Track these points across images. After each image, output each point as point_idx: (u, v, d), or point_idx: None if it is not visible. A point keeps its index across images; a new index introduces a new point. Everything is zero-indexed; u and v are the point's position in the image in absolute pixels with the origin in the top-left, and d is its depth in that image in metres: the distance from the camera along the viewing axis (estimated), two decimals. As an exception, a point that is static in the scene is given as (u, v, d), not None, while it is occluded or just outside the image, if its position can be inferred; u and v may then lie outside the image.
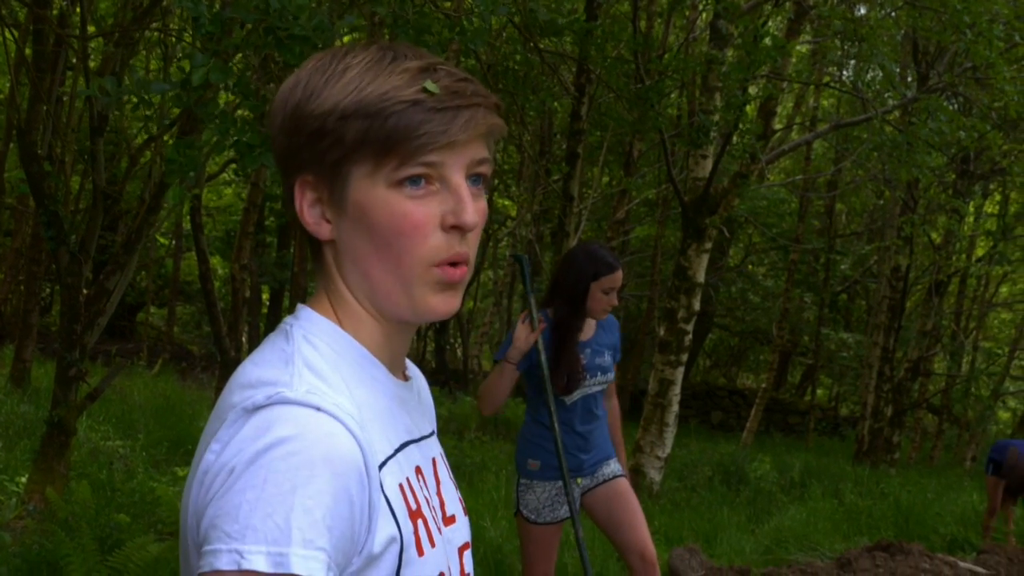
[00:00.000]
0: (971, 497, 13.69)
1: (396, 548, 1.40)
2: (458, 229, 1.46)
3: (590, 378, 5.74)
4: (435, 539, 1.49)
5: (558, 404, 5.73)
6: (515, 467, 5.98)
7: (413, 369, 1.75)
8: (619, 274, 5.55)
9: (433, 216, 1.45)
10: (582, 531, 5.86)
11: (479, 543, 8.15)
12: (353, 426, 1.34)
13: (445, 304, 1.49)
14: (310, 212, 1.48)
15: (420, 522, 1.46)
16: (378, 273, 1.48)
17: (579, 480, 5.86)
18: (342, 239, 1.49)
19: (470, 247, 1.49)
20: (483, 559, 7.86)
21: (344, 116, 1.43)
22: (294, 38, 4.99)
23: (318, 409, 1.33)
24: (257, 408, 1.33)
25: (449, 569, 1.53)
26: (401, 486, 1.44)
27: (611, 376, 5.87)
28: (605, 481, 5.91)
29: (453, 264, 1.47)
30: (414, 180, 1.44)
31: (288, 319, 1.53)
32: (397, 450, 1.48)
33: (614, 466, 5.98)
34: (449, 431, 17.49)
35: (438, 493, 1.59)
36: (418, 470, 1.53)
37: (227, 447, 1.31)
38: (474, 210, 1.46)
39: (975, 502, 13.16)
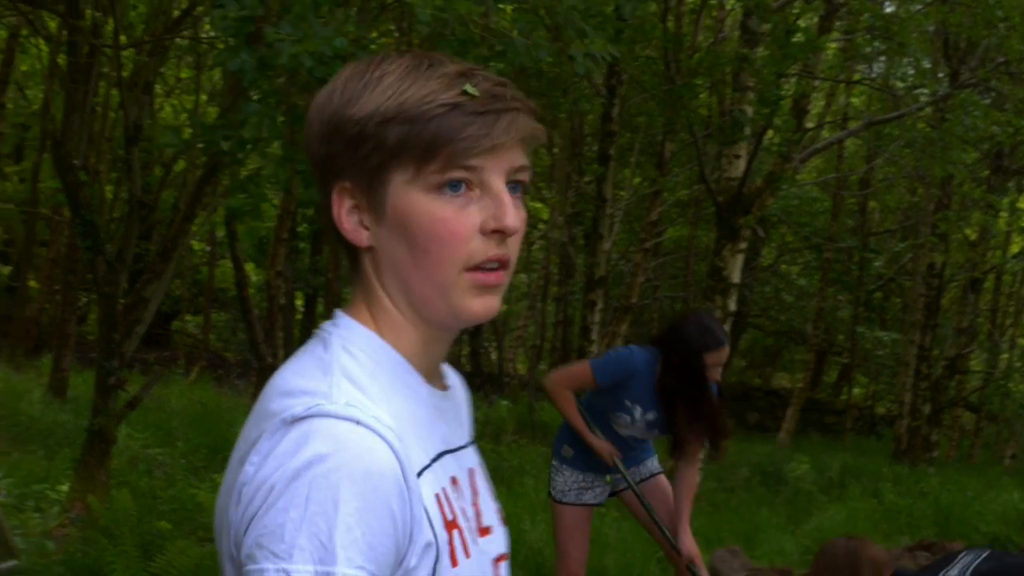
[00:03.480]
0: (1012, 495, 13.58)
1: (432, 558, 1.40)
2: (499, 233, 1.44)
3: (645, 430, 5.90)
4: (470, 550, 1.49)
5: (611, 430, 5.92)
6: (550, 448, 6.15)
7: (453, 378, 1.73)
8: (725, 350, 5.63)
9: (472, 222, 1.44)
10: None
11: (519, 546, 8.15)
12: (392, 439, 1.34)
13: (485, 307, 1.48)
14: (348, 219, 1.47)
15: (455, 532, 1.46)
16: (417, 279, 1.47)
17: (607, 478, 6.10)
18: (381, 246, 1.48)
19: (511, 251, 1.47)
20: (524, 562, 7.86)
21: (384, 120, 1.42)
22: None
23: (357, 423, 1.32)
24: (296, 420, 1.32)
25: None
26: (437, 496, 1.44)
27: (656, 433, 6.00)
28: (643, 480, 6.06)
29: (488, 268, 1.46)
30: (454, 185, 1.43)
31: (325, 325, 1.52)
32: (433, 460, 1.47)
33: (653, 463, 6.14)
34: (486, 435, 17.47)
35: (474, 504, 1.57)
36: (454, 480, 1.52)
37: (266, 461, 1.31)
38: (515, 214, 1.45)
39: (1016, 500, 13.06)
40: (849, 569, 4.12)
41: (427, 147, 1.41)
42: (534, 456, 14.75)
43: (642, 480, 6.10)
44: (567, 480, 6.00)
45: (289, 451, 1.30)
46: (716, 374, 5.65)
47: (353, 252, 1.51)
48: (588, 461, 5.96)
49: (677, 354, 5.63)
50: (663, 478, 6.17)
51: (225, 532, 1.38)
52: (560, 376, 5.99)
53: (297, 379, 1.41)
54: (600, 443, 5.86)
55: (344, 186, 1.46)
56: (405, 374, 1.50)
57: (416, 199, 1.44)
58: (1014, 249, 25.32)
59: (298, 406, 1.34)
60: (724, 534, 10.54)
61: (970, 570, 4.07)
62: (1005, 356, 26.01)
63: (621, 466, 5.91)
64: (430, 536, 1.39)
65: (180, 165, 13.50)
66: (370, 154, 1.43)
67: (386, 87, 1.44)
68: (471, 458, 1.64)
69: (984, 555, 4.23)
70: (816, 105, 22.88)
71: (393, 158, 1.43)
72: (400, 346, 1.50)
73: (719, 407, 5.78)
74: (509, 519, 6.88)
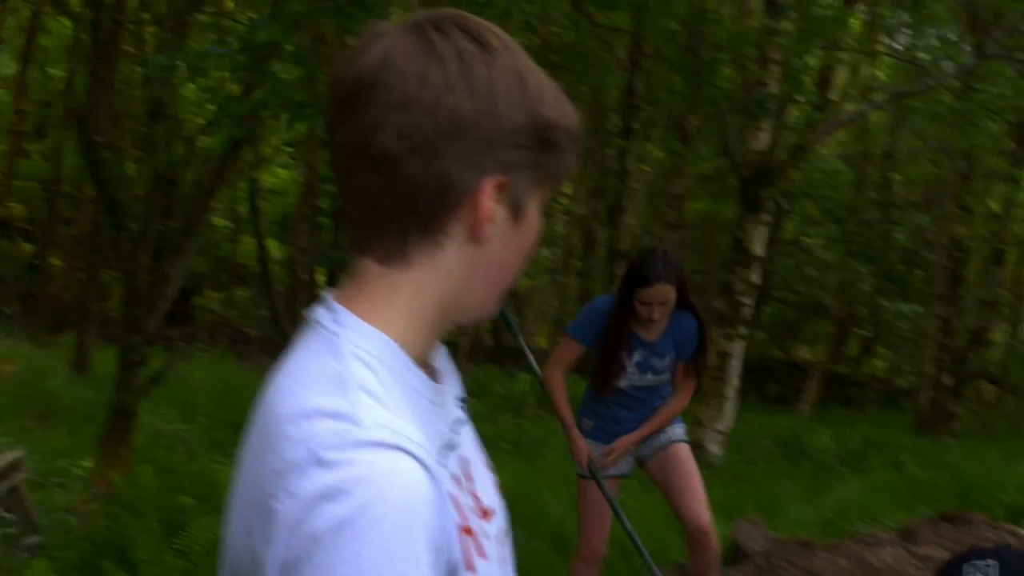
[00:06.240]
0: (1034, 467, 13.54)
1: (453, 569, 1.37)
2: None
3: (639, 374, 5.87)
4: (485, 549, 1.46)
5: (614, 393, 5.91)
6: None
7: (439, 355, 1.67)
8: (657, 289, 5.53)
9: None
10: (626, 520, 6.00)
11: (541, 519, 8.18)
12: (424, 456, 1.29)
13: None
14: (491, 211, 1.40)
15: (470, 538, 1.42)
16: (497, 280, 1.49)
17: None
18: (494, 246, 1.44)
19: None
20: (545, 535, 7.87)
21: (572, 137, 1.46)
22: (356, 2, 5.03)
23: (392, 448, 1.26)
24: (328, 454, 1.25)
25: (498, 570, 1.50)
26: (452, 496, 1.40)
27: (665, 376, 5.93)
28: (663, 447, 6.02)
29: None
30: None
31: (325, 320, 1.44)
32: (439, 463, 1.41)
33: (675, 431, 6.07)
34: (507, 408, 17.51)
35: (472, 492, 1.52)
36: (453, 478, 1.47)
37: (304, 506, 1.24)
38: None
39: (1038, 472, 13.01)
40: None
41: (562, 169, 1.47)
42: (556, 429, 14.76)
43: (660, 449, 6.06)
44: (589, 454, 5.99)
45: (329, 497, 1.23)
46: (650, 313, 5.56)
47: (431, 241, 1.42)
48: (608, 432, 5.94)
49: (620, 285, 5.68)
50: (683, 448, 6.08)
51: (252, 563, 1.32)
52: (551, 361, 5.99)
53: (313, 397, 1.33)
54: (579, 440, 5.85)
55: (499, 180, 1.40)
56: (410, 375, 1.43)
57: (535, 211, 1.47)
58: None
59: (325, 435, 1.27)
60: (745, 505, 10.55)
61: None
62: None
63: (596, 473, 5.89)
64: (455, 547, 1.37)
65: (204, 142, 13.52)
66: (551, 162, 1.44)
67: (556, 95, 1.45)
68: (464, 442, 1.57)
69: (991, 565, 4.06)
70: (841, 77, 22.78)
71: (558, 172, 1.46)
72: (407, 341, 1.44)
73: (616, 350, 5.75)
74: (530, 492, 6.90)
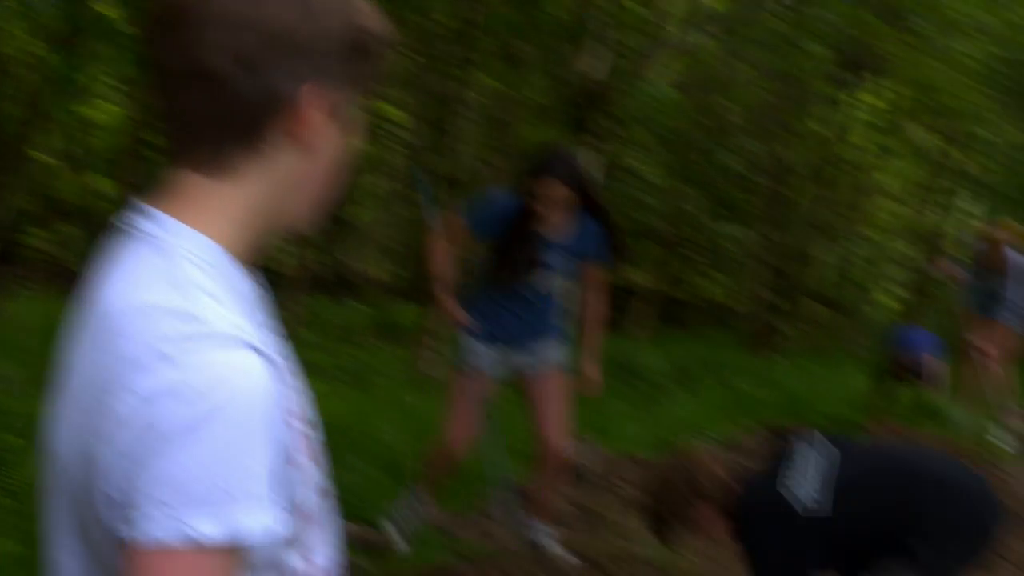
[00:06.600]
0: (856, 380, 13.93)
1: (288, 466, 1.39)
2: None
3: (542, 273, 5.90)
4: (311, 450, 1.48)
5: (512, 297, 5.93)
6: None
7: None
8: (547, 183, 5.58)
9: None
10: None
11: (375, 445, 8.18)
12: (267, 354, 1.32)
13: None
14: (313, 119, 1.42)
15: (301, 439, 1.44)
16: (322, 187, 1.51)
17: (507, 348, 6.02)
18: (315, 153, 1.46)
19: None
20: (378, 460, 7.89)
21: (385, 44, 1.48)
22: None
23: (238, 344, 1.28)
24: (173, 351, 1.26)
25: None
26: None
27: (568, 280, 6.01)
28: (546, 367, 6.11)
29: None
30: None
31: (146, 227, 1.44)
32: None
33: (555, 353, 6.15)
34: (341, 338, 17.43)
35: (294, 399, 1.51)
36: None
37: (151, 402, 1.25)
38: None
39: (859, 384, 13.36)
40: (688, 487, 4.01)
41: (375, 75, 1.49)
42: (390, 357, 14.78)
43: (543, 367, 6.12)
44: (466, 346, 5.97)
45: (177, 393, 1.24)
46: (543, 208, 5.63)
47: (253, 151, 1.43)
48: (492, 336, 5.95)
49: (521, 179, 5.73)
50: (561, 374, 6.18)
51: (86, 465, 1.32)
52: (438, 231, 5.95)
53: (148, 295, 1.33)
54: (450, 302, 5.83)
55: (321, 90, 1.42)
56: (236, 279, 1.44)
57: (354, 117, 1.50)
58: (856, 141, 25.67)
59: (168, 331, 1.28)
60: (579, 426, 10.71)
61: (832, 480, 3.77)
62: (852, 248, 26.63)
63: (467, 332, 5.92)
64: (291, 445, 1.39)
65: (27, 77, 13.18)
66: (366, 69, 1.47)
67: (362, 2, 1.46)
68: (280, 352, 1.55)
69: (822, 447, 3.95)
70: (670, 2, 22.96)
71: (373, 77, 1.49)
72: (230, 247, 1.45)
73: (516, 242, 5.78)
74: (364, 419, 6.90)
